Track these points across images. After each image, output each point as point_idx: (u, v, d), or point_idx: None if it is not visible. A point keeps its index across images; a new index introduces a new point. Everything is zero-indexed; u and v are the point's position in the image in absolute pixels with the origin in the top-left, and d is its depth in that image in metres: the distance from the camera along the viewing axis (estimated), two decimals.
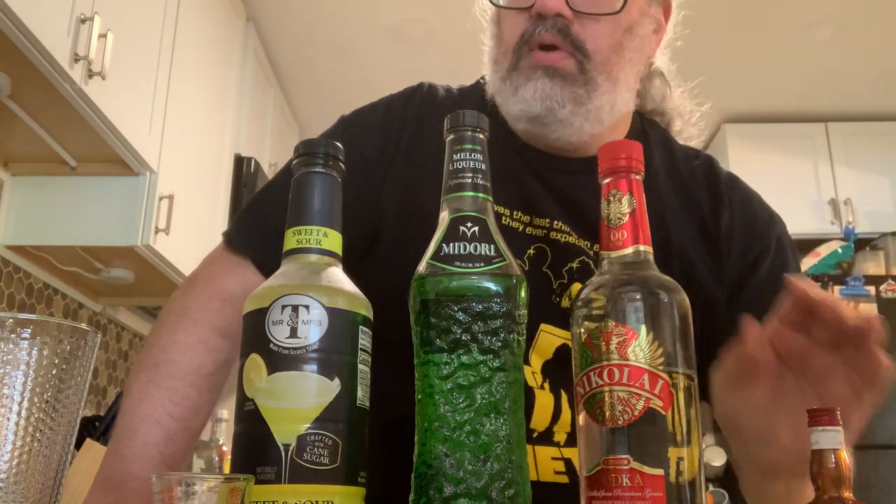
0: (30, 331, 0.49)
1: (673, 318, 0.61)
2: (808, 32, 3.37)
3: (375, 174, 1.00)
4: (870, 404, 0.68)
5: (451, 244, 0.62)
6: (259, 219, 1.00)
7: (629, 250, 0.63)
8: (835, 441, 0.63)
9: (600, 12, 0.93)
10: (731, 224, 1.00)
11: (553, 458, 0.90)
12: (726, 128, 4.03)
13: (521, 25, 0.95)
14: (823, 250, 3.66)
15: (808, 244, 3.63)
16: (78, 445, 1.48)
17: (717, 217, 1.00)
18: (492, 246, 0.62)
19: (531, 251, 0.95)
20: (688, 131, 1.12)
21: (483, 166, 0.65)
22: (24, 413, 0.48)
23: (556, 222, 0.96)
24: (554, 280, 0.95)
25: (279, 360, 0.59)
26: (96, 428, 1.69)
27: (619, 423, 0.58)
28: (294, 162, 0.68)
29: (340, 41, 3.42)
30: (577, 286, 0.94)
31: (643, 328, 0.59)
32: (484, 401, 0.59)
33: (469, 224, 0.63)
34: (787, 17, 3.27)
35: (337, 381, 0.60)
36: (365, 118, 1.06)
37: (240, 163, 3.04)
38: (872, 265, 3.64)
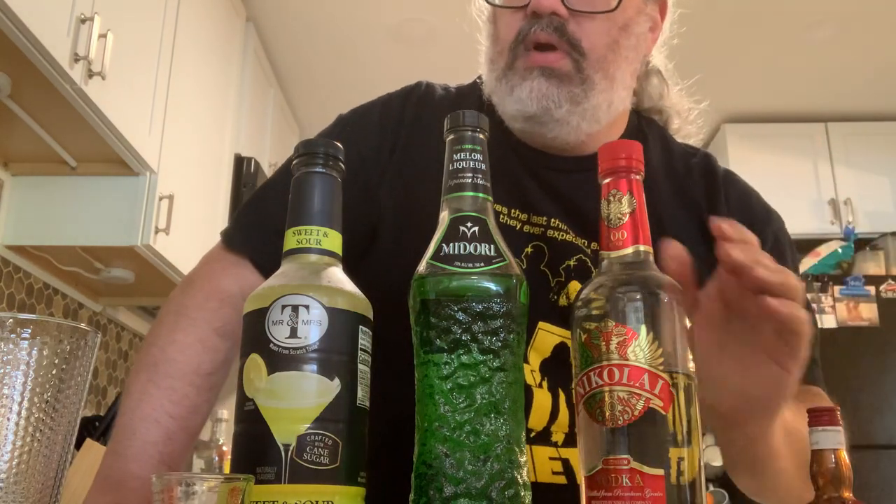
0: (30, 331, 0.49)
1: (673, 318, 0.61)
2: (808, 32, 3.37)
3: (373, 173, 1.00)
4: (796, 353, 0.67)
5: (451, 244, 0.62)
6: (257, 218, 1.00)
7: (629, 250, 0.63)
8: (835, 441, 0.64)
9: (596, 10, 0.93)
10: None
11: (551, 458, 0.90)
12: (726, 128, 4.04)
13: (517, 24, 0.95)
14: (823, 250, 3.66)
15: (808, 244, 3.63)
16: (78, 445, 1.48)
17: (713, 212, 0.99)
18: (492, 246, 0.62)
19: (529, 249, 0.95)
20: (686, 129, 1.12)
21: (483, 166, 0.65)
22: (24, 413, 0.48)
23: (553, 220, 0.97)
24: (552, 278, 0.95)
25: (279, 360, 0.59)
26: (96, 428, 1.69)
27: (619, 423, 0.58)
28: (294, 162, 0.68)
29: (340, 41, 3.42)
30: (574, 284, 0.94)
31: (643, 328, 0.59)
32: (484, 401, 0.59)
33: (469, 224, 0.63)
34: (787, 17, 3.27)
35: (337, 381, 0.60)
36: (362, 117, 1.06)
37: (240, 163, 3.04)
38: (872, 265, 3.64)
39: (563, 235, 0.96)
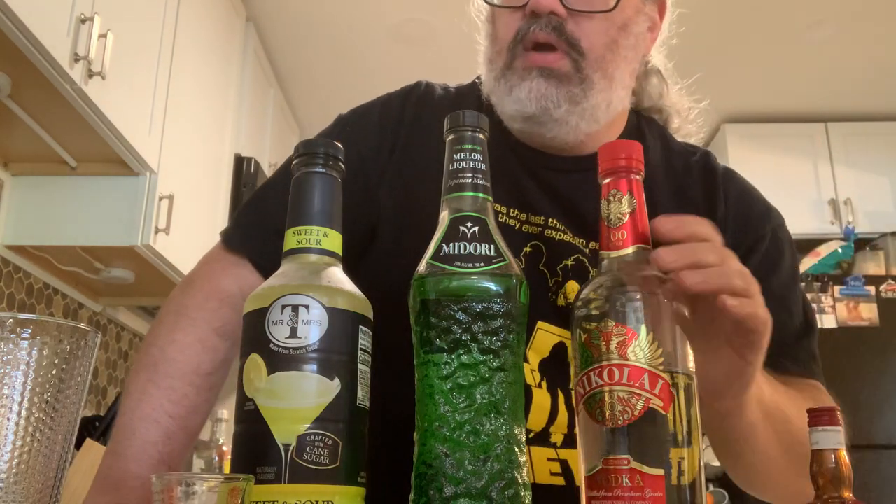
0: (30, 331, 0.49)
1: (673, 318, 0.61)
2: (808, 32, 3.37)
3: (373, 173, 1.00)
4: (755, 346, 0.67)
5: (451, 244, 0.62)
6: (257, 218, 1.00)
7: (629, 250, 0.63)
8: (835, 441, 0.64)
9: (594, 10, 0.93)
10: (726, 215, 1.00)
11: (549, 459, 0.90)
12: (726, 128, 4.03)
13: (515, 24, 0.95)
14: (823, 250, 3.66)
15: (808, 244, 3.63)
16: (78, 445, 1.48)
17: (712, 210, 1.00)
18: (492, 246, 0.62)
19: (527, 249, 0.95)
20: (686, 128, 1.12)
21: (483, 166, 0.65)
22: (24, 413, 0.48)
23: (550, 220, 0.96)
24: (550, 278, 0.95)
25: (279, 360, 0.59)
26: (96, 428, 1.69)
27: (619, 423, 0.58)
28: (294, 162, 0.68)
29: (340, 41, 3.42)
30: (572, 284, 0.94)
31: (643, 328, 0.59)
32: (484, 401, 0.59)
33: (469, 224, 0.63)
34: (787, 17, 3.27)
35: (337, 381, 0.60)
36: (362, 117, 1.06)
37: (240, 163, 3.04)
38: (872, 265, 3.64)
39: (560, 235, 0.96)
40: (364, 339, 0.63)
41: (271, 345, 0.60)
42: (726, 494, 2.86)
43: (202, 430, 0.96)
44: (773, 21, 3.30)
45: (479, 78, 1.07)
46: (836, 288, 3.39)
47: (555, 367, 0.92)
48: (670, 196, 1.00)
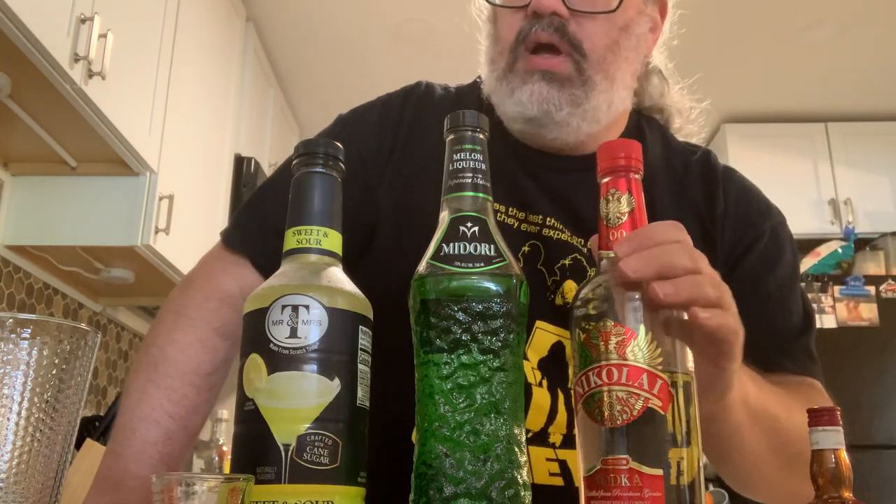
0: (30, 331, 0.49)
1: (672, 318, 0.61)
2: (808, 32, 3.37)
3: (372, 173, 1.00)
4: (728, 355, 0.66)
5: (451, 244, 0.62)
6: (257, 218, 1.00)
7: None
8: (835, 441, 0.64)
9: (596, 10, 0.93)
10: (725, 213, 1.00)
11: (548, 460, 0.90)
12: (726, 128, 4.03)
13: (517, 24, 0.94)
14: (823, 250, 3.66)
15: (808, 244, 3.63)
16: (78, 445, 1.48)
17: (711, 208, 1.00)
18: (492, 246, 0.62)
19: (526, 248, 0.95)
20: (688, 128, 1.12)
21: (483, 166, 0.65)
22: (24, 413, 0.48)
23: (548, 219, 0.96)
24: (548, 277, 0.95)
25: (279, 360, 0.59)
26: (96, 428, 1.69)
27: (618, 422, 0.58)
28: (294, 162, 0.68)
29: (340, 41, 3.42)
30: (569, 283, 0.94)
31: (642, 328, 0.59)
32: (484, 401, 0.59)
33: (469, 224, 0.63)
34: (787, 17, 3.27)
35: (337, 381, 0.60)
36: (362, 117, 1.06)
37: (240, 163, 3.04)
38: (872, 265, 3.64)
39: (558, 235, 0.96)
40: (364, 339, 0.63)
41: (271, 345, 0.60)
42: (726, 494, 2.86)
43: (202, 430, 0.96)
44: (773, 21, 3.30)
45: (479, 77, 1.07)
46: (836, 288, 3.39)
47: (553, 367, 0.92)
48: (670, 195, 1.00)
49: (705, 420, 0.76)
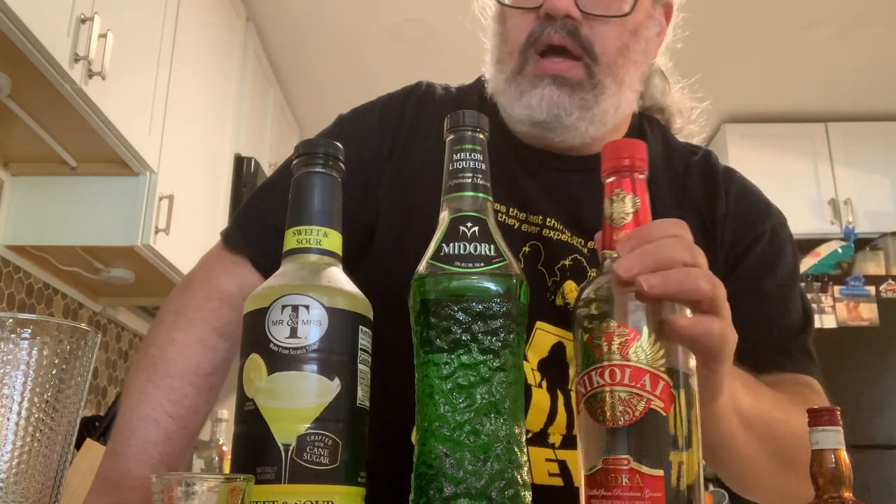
0: (30, 331, 0.49)
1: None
2: (808, 32, 3.37)
3: (373, 173, 1.00)
4: (717, 358, 0.64)
5: (451, 244, 0.62)
6: (257, 218, 1.00)
7: None
8: (835, 441, 0.64)
9: (610, 14, 0.93)
10: (726, 213, 1.00)
11: (547, 460, 0.90)
12: (726, 128, 4.04)
13: (528, 26, 0.94)
14: (823, 250, 3.66)
15: (808, 244, 3.63)
16: (78, 445, 1.48)
17: (712, 208, 1.00)
18: (492, 246, 0.62)
19: (526, 249, 0.95)
20: (688, 128, 1.12)
21: (483, 166, 0.65)
22: (24, 413, 0.48)
23: (548, 220, 0.96)
24: (548, 278, 0.95)
25: (279, 360, 0.59)
26: (96, 428, 1.69)
27: (620, 423, 0.58)
28: (294, 162, 0.68)
29: (340, 41, 3.42)
30: (569, 284, 0.94)
31: (645, 329, 0.59)
32: (484, 401, 0.59)
33: (469, 224, 0.63)
34: (787, 17, 3.27)
35: (337, 381, 0.60)
36: (362, 117, 1.06)
37: (240, 163, 3.04)
38: (872, 265, 3.64)
39: (558, 235, 0.96)
40: (364, 339, 0.63)
41: (271, 345, 0.60)
42: (726, 494, 2.86)
43: (202, 430, 0.96)
44: (773, 21, 3.30)
45: (483, 77, 1.06)
46: (836, 288, 3.39)
47: (553, 368, 0.92)
48: (671, 196, 1.00)
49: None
